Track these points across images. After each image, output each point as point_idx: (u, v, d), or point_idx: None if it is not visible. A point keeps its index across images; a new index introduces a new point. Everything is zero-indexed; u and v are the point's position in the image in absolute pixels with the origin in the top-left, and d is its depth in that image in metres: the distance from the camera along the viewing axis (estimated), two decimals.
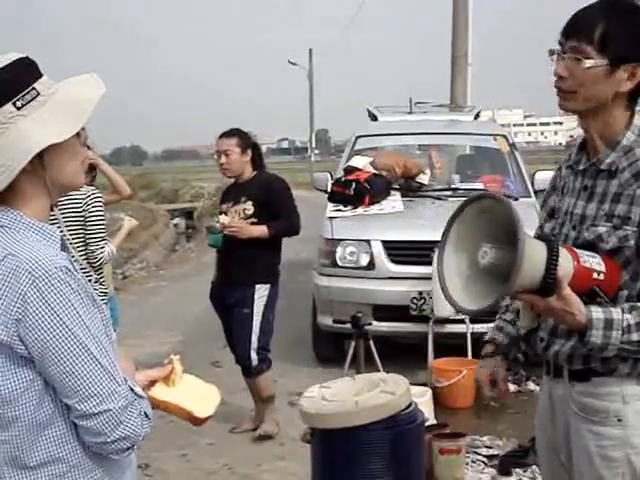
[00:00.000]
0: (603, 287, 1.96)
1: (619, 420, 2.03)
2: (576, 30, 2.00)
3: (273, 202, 5.14)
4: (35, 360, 1.57)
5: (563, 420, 2.16)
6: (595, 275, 1.94)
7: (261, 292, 5.10)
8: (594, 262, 1.95)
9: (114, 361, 1.61)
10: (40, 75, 1.66)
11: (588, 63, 1.97)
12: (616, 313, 1.94)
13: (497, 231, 1.93)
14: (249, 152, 5.19)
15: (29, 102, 1.61)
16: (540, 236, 2.05)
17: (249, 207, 5.11)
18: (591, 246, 2.02)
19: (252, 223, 5.08)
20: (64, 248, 1.70)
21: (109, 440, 1.58)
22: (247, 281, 5.07)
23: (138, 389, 1.64)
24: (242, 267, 5.07)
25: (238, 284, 5.08)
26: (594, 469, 2.07)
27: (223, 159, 5.18)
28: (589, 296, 1.96)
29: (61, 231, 1.71)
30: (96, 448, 1.62)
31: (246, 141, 5.20)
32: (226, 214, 5.22)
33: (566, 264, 1.90)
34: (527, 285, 1.89)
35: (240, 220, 5.09)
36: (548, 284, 1.87)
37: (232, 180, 5.34)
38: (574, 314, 1.92)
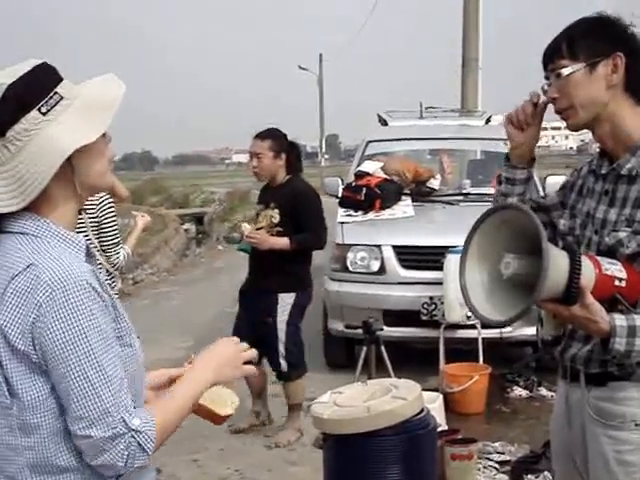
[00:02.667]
0: (625, 294, 1.97)
1: (636, 425, 2.04)
2: (549, 56, 2.12)
3: (300, 213, 5.05)
4: (43, 368, 1.57)
5: (579, 424, 2.16)
6: (617, 282, 1.96)
7: (285, 301, 5.07)
8: (615, 269, 1.96)
9: (114, 387, 1.57)
10: (61, 79, 1.66)
11: (566, 71, 2.06)
12: (639, 320, 1.95)
13: (519, 241, 1.94)
14: (283, 156, 5.10)
15: (54, 107, 1.62)
16: (564, 246, 2.05)
17: (276, 215, 5.06)
18: (612, 251, 2.03)
19: (278, 232, 5.03)
20: (89, 255, 1.70)
21: (91, 463, 1.58)
22: (271, 290, 5.05)
23: (136, 422, 1.57)
24: (267, 275, 5.05)
25: (264, 292, 5.07)
26: (611, 474, 2.07)
27: (255, 162, 5.11)
28: (611, 303, 1.97)
29: (86, 236, 1.71)
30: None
31: (280, 144, 5.10)
32: (258, 215, 5.19)
33: (588, 272, 1.92)
34: (551, 294, 1.91)
35: (266, 229, 5.03)
36: (571, 293, 1.89)
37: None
38: (597, 322, 1.93)
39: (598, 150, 2.21)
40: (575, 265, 1.87)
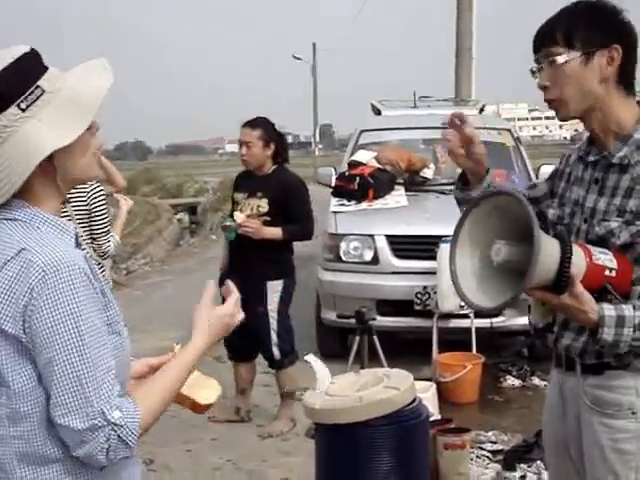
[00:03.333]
0: (615, 284, 1.96)
1: (633, 413, 2.03)
2: (542, 39, 2.07)
3: (289, 204, 5.04)
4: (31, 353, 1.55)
5: (574, 414, 2.15)
6: (607, 272, 1.94)
7: (274, 288, 5.06)
8: (606, 259, 1.95)
9: (98, 377, 1.55)
10: (45, 69, 1.61)
11: (561, 59, 2.01)
12: (627, 310, 1.93)
13: (510, 228, 1.92)
14: (272, 146, 5.09)
15: (34, 102, 1.57)
16: (555, 234, 2.04)
17: (264, 205, 5.04)
18: (602, 241, 2.01)
19: (264, 222, 5.01)
20: (77, 243, 1.69)
21: (75, 454, 1.56)
22: (259, 278, 5.03)
23: (116, 414, 1.54)
24: (254, 263, 5.02)
25: (251, 280, 5.00)
26: (607, 462, 2.07)
27: (244, 150, 5.10)
28: (601, 293, 1.96)
29: (74, 226, 1.70)
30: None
31: (270, 134, 5.09)
32: (238, 203, 5.17)
33: (579, 261, 1.90)
34: (541, 282, 1.90)
35: (253, 218, 5.01)
36: (561, 281, 1.88)
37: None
38: (586, 311, 1.92)
39: (586, 136, 2.18)
40: (566, 253, 1.86)
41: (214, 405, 2.03)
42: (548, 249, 1.85)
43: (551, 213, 2.20)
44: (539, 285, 1.91)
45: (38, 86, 1.58)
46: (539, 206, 2.25)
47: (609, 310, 1.93)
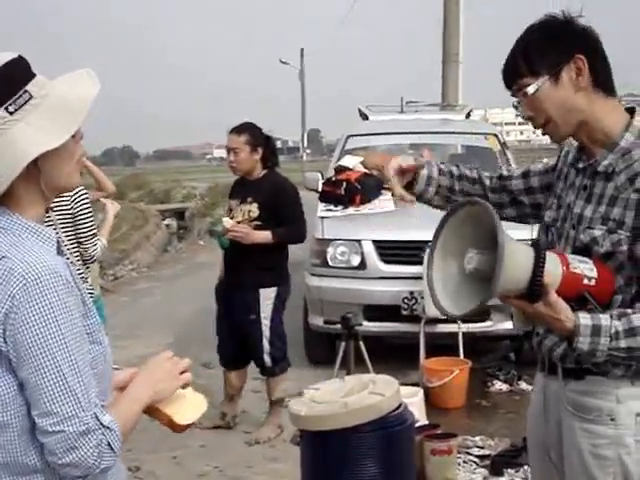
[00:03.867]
0: (594, 293, 1.95)
1: (612, 419, 2.03)
2: (509, 75, 2.09)
3: (280, 208, 5.03)
4: (12, 363, 1.54)
5: (556, 417, 2.16)
6: (586, 281, 1.93)
7: (267, 295, 5.04)
8: (585, 268, 1.94)
9: (85, 382, 1.55)
10: (33, 75, 1.62)
11: (531, 89, 2.04)
12: (605, 319, 1.93)
13: (483, 236, 1.92)
14: (259, 150, 5.08)
15: (22, 106, 1.58)
16: (533, 243, 2.05)
17: (254, 210, 5.03)
18: (587, 249, 2.01)
19: (256, 226, 5.00)
20: (59, 250, 1.68)
21: (59, 463, 1.54)
22: (252, 285, 5.01)
23: (107, 418, 1.56)
24: (246, 271, 5.01)
25: (243, 288, 5.03)
26: (586, 467, 2.07)
27: (232, 157, 5.09)
28: (579, 302, 1.95)
29: (56, 233, 1.69)
30: (52, 465, 1.57)
31: (257, 138, 5.08)
32: (231, 210, 5.16)
33: (554, 269, 1.90)
34: (514, 290, 1.89)
35: (244, 223, 5.00)
36: (534, 290, 1.87)
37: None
38: (561, 320, 1.92)
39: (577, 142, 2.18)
40: (539, 261, 1.85)
41: (195, 424, 1.93)
42: (517, 257, 1.85)
43: (547, 215, 2.20)
44: (514, 293, 1.91)
45: (26, 91, 1.59)
46: (535, 196, 2.27)
47: (585, 319, 1.92)
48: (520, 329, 2.18)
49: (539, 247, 1.91)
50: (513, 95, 2.11)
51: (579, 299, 1.94)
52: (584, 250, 2.01)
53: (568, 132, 2.08)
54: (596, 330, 1.92)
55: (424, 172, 2.32)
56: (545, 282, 1.87)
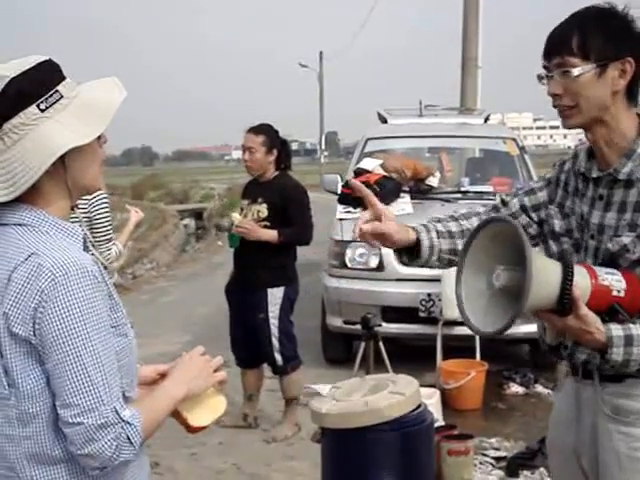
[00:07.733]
0: (624, 304, 1.93)
1: None
2: (555, 47, 2.00)
3: (289, 209, 5.09)
4: (41, 355, 1.59)
5: (590, 422, 2.10)
6: (615, 292, 1.92)
7: (275, 295, 5.10)
8: (613, 279, 1.93)
9: (108, 376, 1.59)
10: (63, 78, 1.69)
11: (576, 71, 1.95)
12: (635, 329, 1.92)
13: (510, 252, 1.92)
14: (274, 152, 5.14)
15: (53, 104, 1.64)
16: (559, 255, 2.04)
17: (263, 210, 5.09)
18: (616, 257, 1.99)
19: (265, 227, 5.06)
20: (86, 248, 1.73)
21: (78, 453, 1.58)
22: (260, 285, 5.08)
23: (127, 413, 1.60)
24: (255, 271, 5.07)
25: (252, 288, 5.10)
26: (624, 471, 2.03)
27: (247, 156, 5.16)
28: (610, 314, 1.93)
29: (82, 230, 1.74)
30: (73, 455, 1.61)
31: (273, 140, 5.15)
32: (242, 210, 5.23)
33: (583, 283, 1.89)
34: (544, 305, 1.88)
35: (252, 221, 5.09)
36: (564, 304, 1.86)
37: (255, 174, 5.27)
38: (592, 333, 1.90)
39: (584, 150, 2.14)
40: (567, 275, 1.85)
41: (209, 427, 1.95)
42: (546, 273, 1.84)
43: (557, 224, 2.15)
44: (544, 308, 1.89)
45: (57, 90, 1.66)
46: (539, 213, 2.22)
47: (617, 330, 1.91)
48: (552, 342, 2.16)
49: (567, 261, 1.91)
50: (547, 68, 2.01)
51: (608, 311, 1.93)
52: (610, 259, 1.99)
53: (584, 124, 2.03)
54: (629, 340, 1.91)
55: (425, 243, 2.19)
56: (574, 295, 1.85)
